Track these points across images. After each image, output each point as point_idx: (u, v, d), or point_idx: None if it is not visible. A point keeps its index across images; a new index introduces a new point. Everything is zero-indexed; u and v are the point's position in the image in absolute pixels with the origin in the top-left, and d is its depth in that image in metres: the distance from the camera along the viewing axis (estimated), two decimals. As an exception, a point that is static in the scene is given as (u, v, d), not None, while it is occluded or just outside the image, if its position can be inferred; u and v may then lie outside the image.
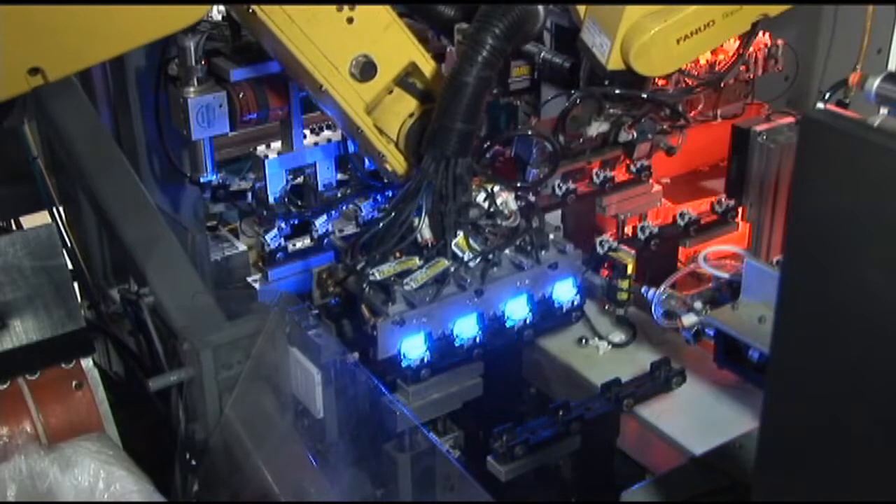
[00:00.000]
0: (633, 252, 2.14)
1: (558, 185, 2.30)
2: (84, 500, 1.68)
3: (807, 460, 1.02)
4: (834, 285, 0.94)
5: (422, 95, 2.05)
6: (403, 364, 1.89)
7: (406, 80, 2.05)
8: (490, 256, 1.93)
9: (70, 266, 2.19)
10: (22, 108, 2.18)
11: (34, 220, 2.41)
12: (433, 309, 1.86)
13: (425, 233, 1.93)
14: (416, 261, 1.90)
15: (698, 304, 1.98)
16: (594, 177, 2.34)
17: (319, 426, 2.04)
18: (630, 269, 2.12)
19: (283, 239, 2.33)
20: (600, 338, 2.15)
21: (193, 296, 1.95)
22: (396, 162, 2.08)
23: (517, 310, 1.95)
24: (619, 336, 2.17)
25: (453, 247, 1.92)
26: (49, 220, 2.37)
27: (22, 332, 1.86)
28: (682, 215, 2.24)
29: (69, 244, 2.44)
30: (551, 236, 1.97)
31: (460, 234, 1.93)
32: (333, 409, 2.07)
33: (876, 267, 0.90)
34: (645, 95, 2.19)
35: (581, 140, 2.27)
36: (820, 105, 2.19)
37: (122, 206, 2.13)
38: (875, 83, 1.78)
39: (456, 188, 1.89)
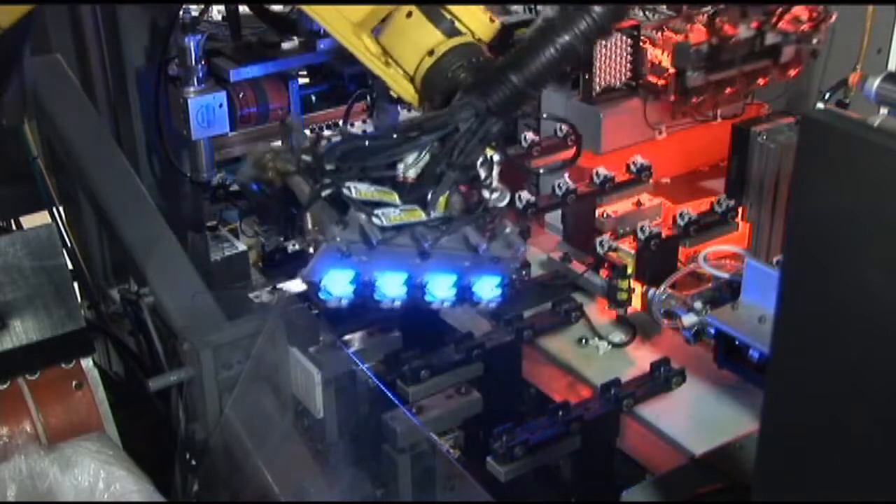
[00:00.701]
0: (632, 252, 2.14)
1: (558, 184, 2.30)
2: (84, 500, 1.68)
3: (807, 460, 1.02)
4: (834, 285, 0.94)
5: (450, 30, 1.78)
6: (320, 295, 1.69)
7: (432, 7, 1.78)
8: (449, 224, 1.70)
9: (70, 266, 2.19)
10: (22, 108, 2.18)
11: (34, 220, 2.41)
12: (378, 253, 1.64)
13: (412, 172, 1.71)
14: (396, 197, 1.68)
15: (698, 304, 1.98)
16: (594, 176, 2.34)
17: (319, 426, 2.05)
18: (630, 269, 2.12)
19: (282, 239, 2.33)
20: (600, 338, 2.15)
21: (193, 296, 1.95)
22: (404, 91, 1.84)
23: (441, 288, 1.77)
24: (619, 336, 2.17)
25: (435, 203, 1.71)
26: (49, 220, 2.37)
27: (22, 332, 1.86)
28: (681, 215, 2.24)
29: (69, 244, 2.44)
30: (507, 229, 1.79)
31: (447, 192, 1.71)
32: (333, 409, 2.08)
33: (876, 267, 0.90)
34: None
35: (732, 42, 2.32)
36: (820, 105, 2.18)
37: (122, 206, 2.13)
38: (875, 83, 1.78)
39: (476, 147, 1.69)
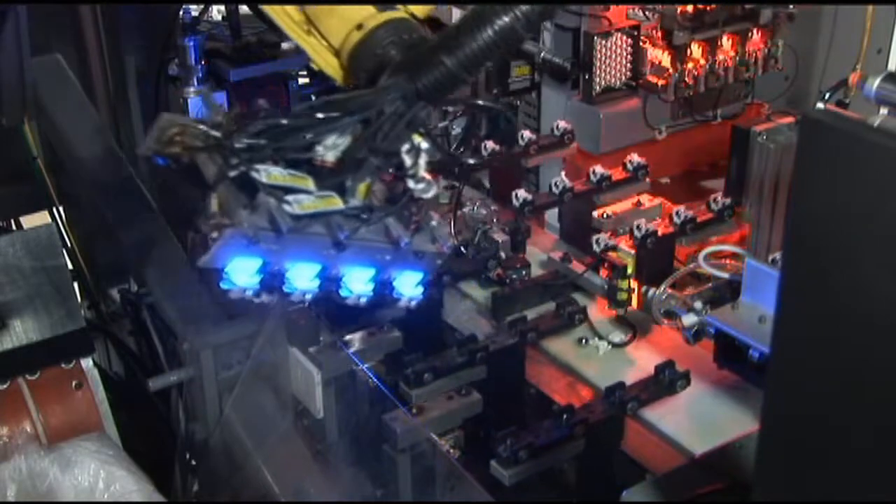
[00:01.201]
0: (632, 251, 2.14)
1: (555, 182, 2.30)
2: (84, 500, 1.68)
3: (807, 460, 1.02)
4: (834, 285, 0.94)
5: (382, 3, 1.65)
6: (222, 285, 1.56)
7: None
8: (368, 215, 1.56)
9: (70, 266, 2.19)
10: (22, 108, 2.18)
11: (34, 220, 2.41)
12: (289, 241, 1.50)
13: (330, 155, 1.55)
14: (311, 183, 1.52)
15: (698, 304, 1.98)
16: (591, 175, 2.33)
17: (319, 426, 2.05)
18: (630, 269, 2.12)
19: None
20: (600, 338, 2.15)
21: (193, 296, 1.95)
22: (326, 64, 1.71)
23: (357, 282, 1.63)
24: (619, 336, 2.17)
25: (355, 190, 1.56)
26: (49, 220, 2.37)
27: (22, 332, 1.86)
28: (677, 213, 2.24)
29: (69, 244, 2.44)
30: (433, 222, 1.66)
31: (368, 180, 1.56)
32: (333, 409, 2.08)
33: (876, 267, 0.90)
34: None
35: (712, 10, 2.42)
36: (820, 105, 2.18)
37: (122, 206, 2.13)
38: (875, 83, 1.78)
39: (402, 132, 1.53)
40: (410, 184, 1.57)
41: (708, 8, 2.46)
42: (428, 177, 1.60)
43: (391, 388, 1.99)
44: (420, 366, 1.94)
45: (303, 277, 1.56)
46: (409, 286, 1.67)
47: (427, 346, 2.05)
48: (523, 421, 1.87)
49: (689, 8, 2.43)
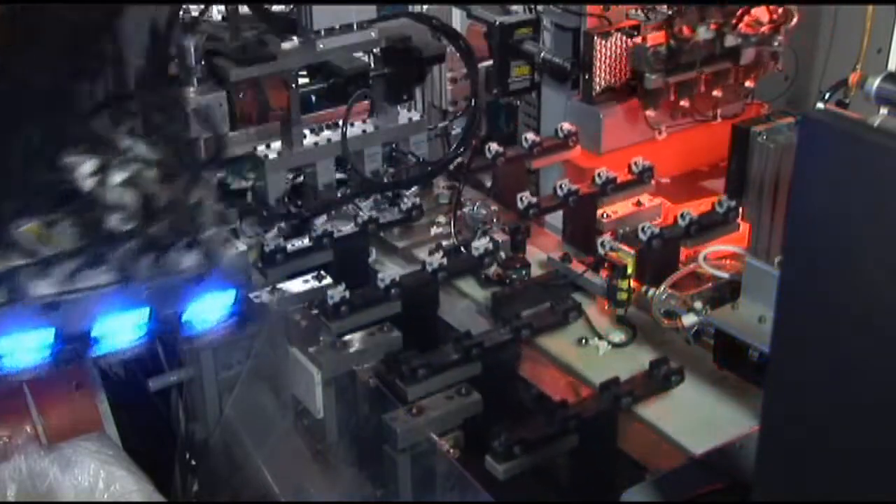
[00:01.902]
0: (633, 252, 2.14)
1: (560, 185, 2.30)
2: (84, 500, 1.68)
3: (807, 460, 1.02)
4: (834, 285, 0.94)
5: None
6: None
7: None
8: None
9: (70, 266, 2.19)
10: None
11: (34, 220, 2.40)
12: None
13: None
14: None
15: (698, 304, 1.98)
16: (595, 178, 2.34)
17: (319, 426, 2.05)
18: (630, 269, 2.12)
19: (282, 239, 2.33)
20: (600, 338, 2.15)
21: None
22: None
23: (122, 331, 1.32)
24: (619, 336, 2.17)
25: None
26: (49, 220, 2.36)
27: (22, 332, 1.86)
28: (682, 216, 2.24)
29: (69, 244, 2.44)
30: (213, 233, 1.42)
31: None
32: (333, 409, 2.08)
33: (875, 267, 0.90)
34: None
35: (690, 45, 2.34)
36: (820, 105, 2.18)
37: (122, 206, 2.12)
38: (875, 83, 1.77)
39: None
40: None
41: (683, 42, 2.34)
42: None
43: (388, 386, 1.99)
44: (415, 362, 1.95)
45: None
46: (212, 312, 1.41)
47: (426, 344, 2.05)
48: (518, 417, 1.87)
49: (661, 47, 2.33)
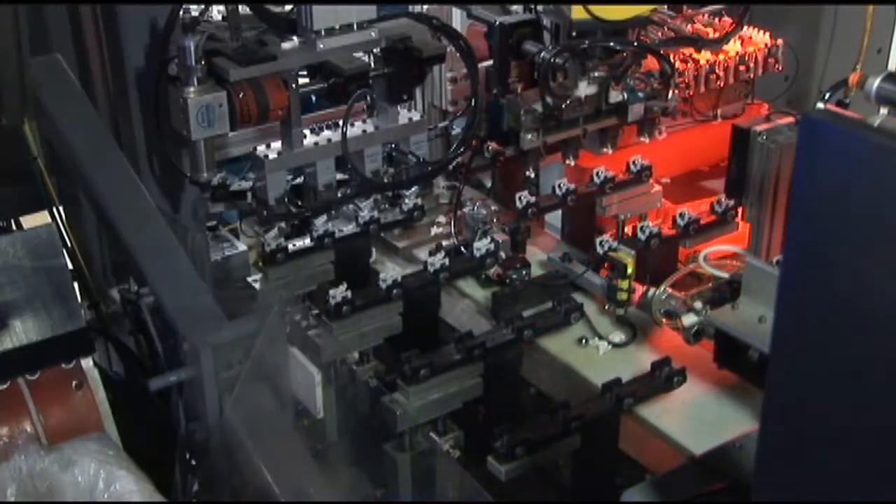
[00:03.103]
0: (632, 252, 2.14)
1: (559, 185, 2.30)
2: (84, 500, 1.68)
3: (807, 460, 1.02)
4: (834, 285, 0.94)
5: None
6: None
7: None
8: None
9: (70, 266, 2.19)
10: (22, 108, 2.18)
11: (34, 220, 2.41)
12: None
13: None
14: None
15: (698, 304, 1.98)
16: (594, 177, 2.34)
17: (319, 426, 2.05)
18: (630, 269, 2.12)
19: (283, 239, 2.33)
20: (600, 338, 2.15)
21: (193, 296, 1.95)
22: None
23: None
24: (619, 336, 2.17)
25: None
26: (49, 220, 2.37)
27: (22, 332, 1.86)
28: (681, 215, 2.24)
29: (69, 244, 2.44)
30: None
31: None
32: (333, 409, 2.08)
33: (876, 267, 0.90)
34: (619, 47, 2.14)
35: (569, 102, 2.19)
36: (820, 105, 2.19)
37: (122, 206, 2.13)
38: (875, 83, 1.78)
39: None
40: None
41: (563, 105, 2.22)
42: None
43: (389, 386, 1.99)
44: (416, 362, 1.95)
45: None
46: None
47: (428, 344, 2.05)
48: (522, 418, 1.87)
49: (537, 105, 2.20)
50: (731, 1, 2.38)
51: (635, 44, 2.26)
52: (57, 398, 1.85)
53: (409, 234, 2.54)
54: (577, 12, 2.05)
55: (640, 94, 2.33)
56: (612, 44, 2.18)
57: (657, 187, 2.42)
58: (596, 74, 2.19)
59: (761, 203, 2.19)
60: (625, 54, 2.21)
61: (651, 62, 2.34)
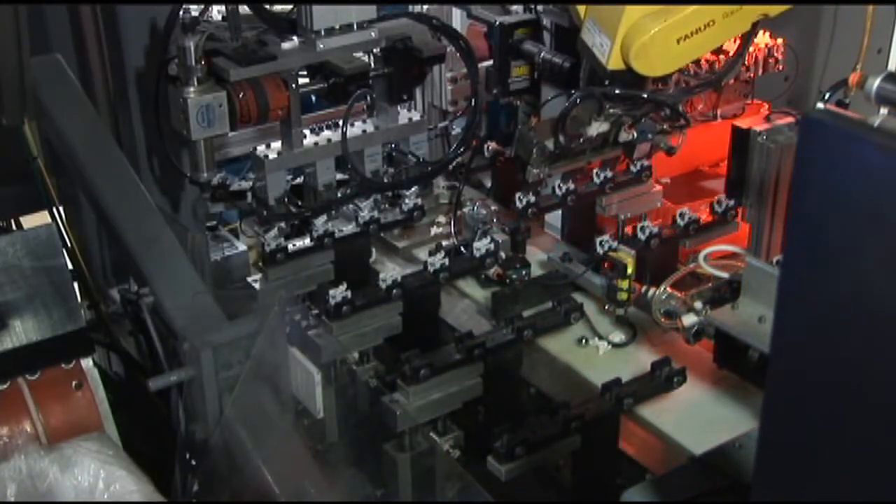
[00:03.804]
0: (632, 252, 2.14)
1: (558, 185, 2.30)
2: (84, 500, 1.68)
3: (807, 460, 1.02)
4: (834, 285, 0.94)
5: None
6: None
7: None
8: None
9: (70, 266, 2.19)
10: (22, 108, 2.18)
11: (34, 220, 2.41)
12: None
13: None
14: None
15: (698, 304, 1.98)
16: (594, 177, 2.34)
17: (319, 426, 2.04)
18: (630, 269, 2.12)
19: (283, 239, 2.33)
20: (600, 338, 2.15)
21: (193, 296, 1.95)
22: None
23: None
24: (619, 336, 2.17)
25: None
26: (49, 220, 2.37)
27: (22, 332, 1.86)
28: (681, 215, 2.24)
29: (69, 244, 2.44)
30: None
31: None
32: (333, 409, 2.08)
33: (876, 267, 0.90)
34: (645, 95, 2.18)
35: (581, 140, 2.22)
36: (820, 105, 2.18)
37: (122, 206, 2.13)
38: (875, 83, 1.77)
39: None
40: None
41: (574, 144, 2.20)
42: None
43: (389, 386, 1.99)
44: (416, 362, 1.95)
45: None
46: None
47: (427, 344, 2.05)
48: (522, 418, 1.87)
49: (549, 143, 2.17)
50: (733, 2, 2.38)
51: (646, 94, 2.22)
52: (57, 398, 1.85)
53: (409, 234, 2.54)
54: (615, 62, 2.06)
55: (650, 135, 2.32)
56: (643, 94, 2.18)
57: (657, 187, 2.42)
58: (611, 112, 2.19)
59: (761, 203, 2.19)
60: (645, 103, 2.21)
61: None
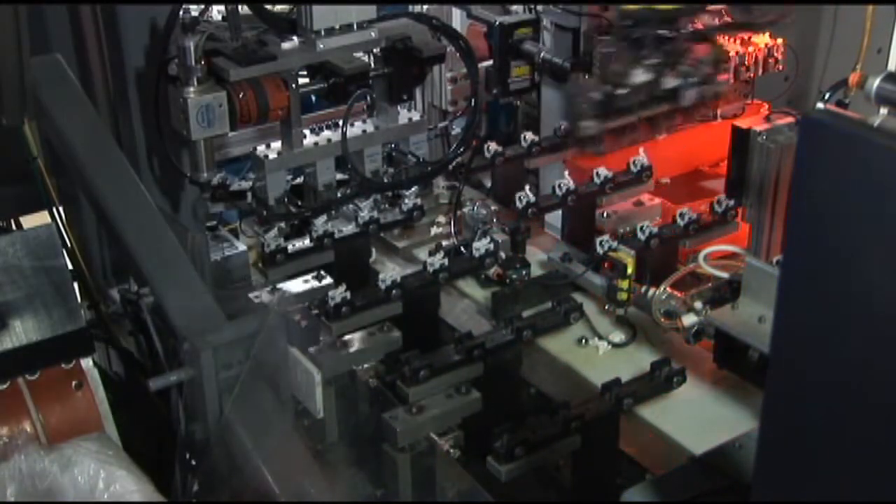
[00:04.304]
0: (632, 252, 2.14)
1: (559, 185, 2.30)
2: (84, 500, 1.68)
3: (807, 460, 1.02)
4: (834, 285, 0.94)
5: None
6: None
7: None
8: None
9: (70, 266, 2.19)
10: (22, 108, 2.18)
11: (34, 220, 2.40)
12: None
13: None
14: None
15: (698, 304, 1.98)
16: (594, 177, 2.34)
17: (319, 426, 2.04)
18: (630, 269, 2.12)
19: (282, 239, 2.33)
20: (600, 338, 2.15)
21: (193, 296, 1.95)
22: None
23: None
24: (619, 336, 2.17)
25: None
26: (49, 220, 2.37)
27: (22, 332, 1.86)
28: (681, 215, 2.24)
29: (69, 244, 2.44)
30: None
31: None
32: (333, 409, 2.07)
33: (876, 267, 0.90)
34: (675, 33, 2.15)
35: (625, 91, 2.21)
36: (820, 105, 2.19)
37: (122, 206, 2.12)
38: (875, 83, 1.77)
39: None
40: None
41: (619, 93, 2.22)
42: None
43: (389, 386, 1.99)
44: (416, 363, 1.95)
45: None
46: None
47: (427, 345, 2.05)
48: (522, 418, 1.87)
49: (595, 94, 2.19)
50: (732, 1, 2.38)
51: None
52: (57, 398, 1.85)
53: (408, 234, 2.54)
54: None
55: (693, 78, 2.32)
56: (666, 31, 2.19)
57: (656, 200, 2.42)
58: (650, 62, 2.20)
59: (761, 203, 2.19)
60: (678, 41, 2.22)
61: (699, 50, 2.32)
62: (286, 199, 2.36)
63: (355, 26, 2.27)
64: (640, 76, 2.20)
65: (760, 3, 2.40)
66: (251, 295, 2.22)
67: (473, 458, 1.93)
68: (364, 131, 2.42)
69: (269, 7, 2.29)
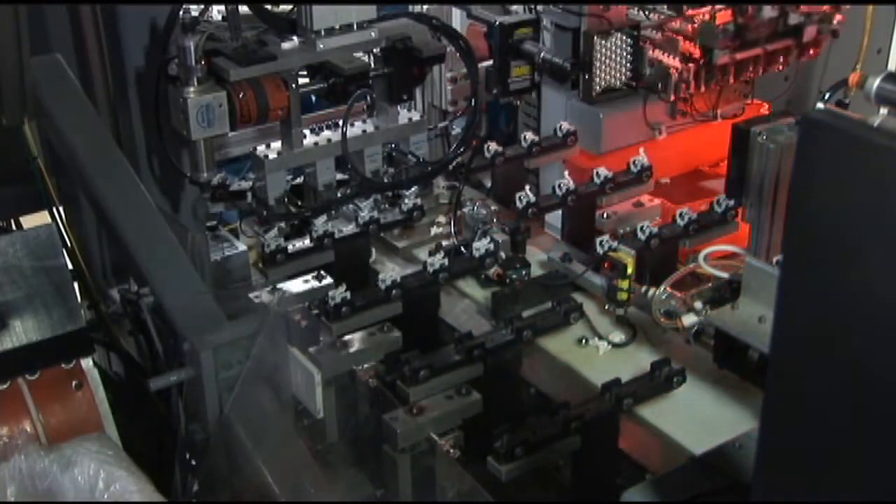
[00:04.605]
0: (632, 252, 2.14)
1: (559, 185, 2.30)
2: (84, 500, 1.68)
3: (807, 460, 1.02)
4: (834, 285, 0.94)
5: None
6: None
7: None
8: None
9: (70, 266, 2.19)
10: (22, 108, 2.18)
11: (34, 220, 2.41)
12: None
13: None
14: None
15: (698, 304, 1.98)
16: (594, 177, 2.34)
17: (319, 426, 2.05)
18: (630, 269, 2.12)
19: (283, 239, 2.33)
20: (600, 338, 2.15)
21: (193, 296, 1.95)
22: None
23: None
24: (619, 336, 2.17)
25: None
26: (49, 220, 2.37)
27: (22, 332, 1.86)
28: (681, 215, 2.24)
29: (69, 244, 2.44)
30: None
31: None
32: (333, 409, 2.07)
33: (876, 267, 0.90)
34: None
35: (755, 24, 2.36)
36: (820, 105, 2.19)
37: (122, 206, 2.13)
38: (875, 83, 1.77)
39: None
40: None
41: (751, 19, 2.39)
42: None
43: (389, 386, 1.99)
44: (416, 363, 1.95)
45: None
46: None
47: (427, 345, 2.05)
48: (522, 418, 1.87)
49: (729, 24, 2.37)
50: (732, 1, 2.38)
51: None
52: (57, 398, 1.85)
53: (408, 234, 2.54)
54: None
55: (814, 17, 2.46)
56: None
57: (656, 201, 2.42)
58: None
59: (761, 203, 2.19)
60: None
61: None
62: (286, 199, 2.36)
63: (355, 26, 2.27)
64: (770, 11, 2.36)
65: (760, 3, 2.40)
66: (251, 295, 2.22)
67: (473, 459, 1.93)
68: (364, 131, 2.42)
69: (269, 7, 2.29)
